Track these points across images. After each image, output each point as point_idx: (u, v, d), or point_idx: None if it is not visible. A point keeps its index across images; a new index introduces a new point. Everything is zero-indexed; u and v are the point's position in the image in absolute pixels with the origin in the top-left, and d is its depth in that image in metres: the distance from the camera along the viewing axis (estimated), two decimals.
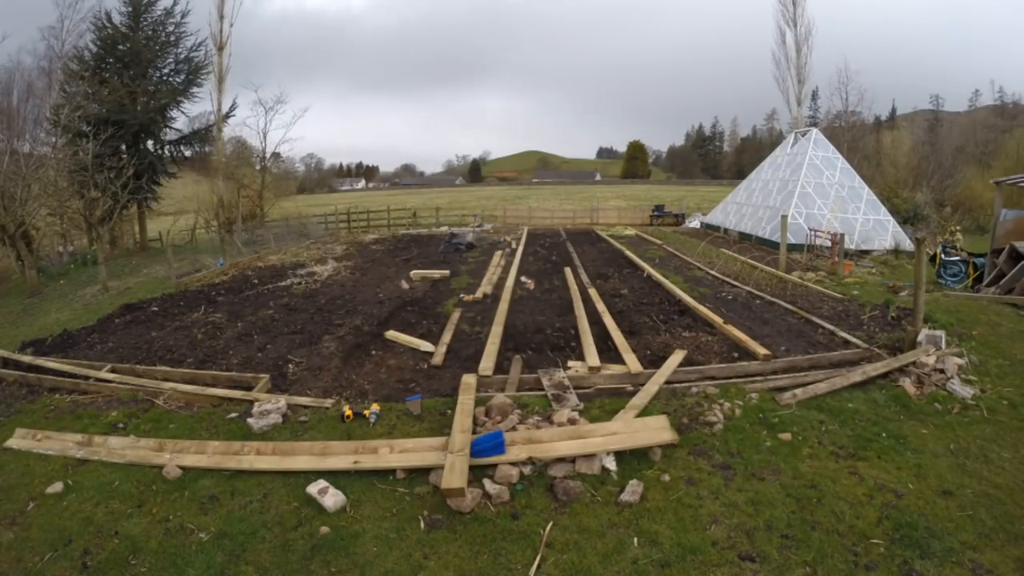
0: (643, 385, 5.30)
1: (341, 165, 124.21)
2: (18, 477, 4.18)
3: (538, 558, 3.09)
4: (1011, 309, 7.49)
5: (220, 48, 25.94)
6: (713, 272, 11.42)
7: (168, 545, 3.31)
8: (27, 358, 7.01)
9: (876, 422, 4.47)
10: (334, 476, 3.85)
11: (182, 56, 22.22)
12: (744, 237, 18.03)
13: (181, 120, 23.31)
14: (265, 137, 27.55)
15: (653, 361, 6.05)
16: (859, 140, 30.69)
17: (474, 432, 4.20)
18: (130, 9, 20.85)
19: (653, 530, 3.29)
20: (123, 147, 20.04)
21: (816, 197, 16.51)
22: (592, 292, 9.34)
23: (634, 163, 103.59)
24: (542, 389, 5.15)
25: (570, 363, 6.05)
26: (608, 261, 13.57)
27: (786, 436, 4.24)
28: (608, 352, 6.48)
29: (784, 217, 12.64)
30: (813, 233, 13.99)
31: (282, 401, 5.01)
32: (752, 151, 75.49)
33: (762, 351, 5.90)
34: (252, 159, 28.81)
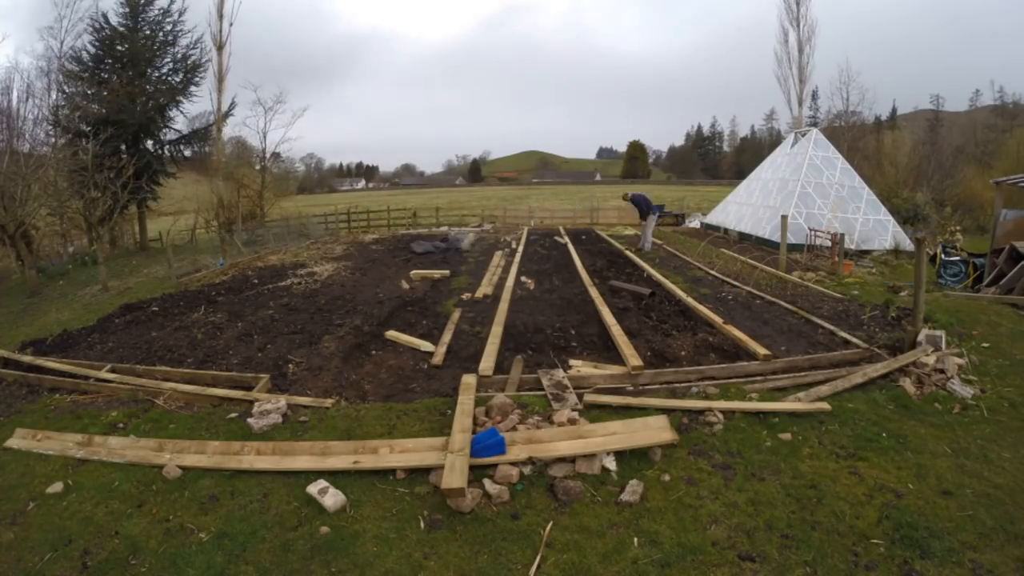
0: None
1: (341, 165, 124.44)
2: (18, 477, 4.18)
3: (538, 558, 3.09)
4: (1011, 309, 7.48)
5: (220, 48, 25.97)
6: (713, 272, 11.42)
7: (168, 545, 3.31)
8: (27, 358, 7.01)
9: (876, 422, 4.47)
10: (334, 476, 3.85)
11: (180, 55, 22.23)
12: (744, 237, 18.03)
13: (180, 120, 23.35)
14: (265, 137, 27.57)
15: (653, 362, 6.06)
16: (859, 140, 30.71)
17: (474, 432, 4.20)
18: (127, 10, 20.87)
19: (653, 530, 3.29)
20: (123, 147, 20.07)
21: (816, 197, 16.52)
22: (593, 292, 9.35)
23: (634, 163, 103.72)
24: (542, 389, 5.15)
25: (571, 362, 6.05)
26: (608, 261, 13.56)
27: (786, 436, 4.24)
28: (608, 352, 6.49)
29: (784, 217, 12.63)
30: (813, 233, 13.99)
31: (282, 401, 5.00)
32: (752, 151, 75.58)
33: (762, 351, 5.90)
34: (252, 159, 28.83)
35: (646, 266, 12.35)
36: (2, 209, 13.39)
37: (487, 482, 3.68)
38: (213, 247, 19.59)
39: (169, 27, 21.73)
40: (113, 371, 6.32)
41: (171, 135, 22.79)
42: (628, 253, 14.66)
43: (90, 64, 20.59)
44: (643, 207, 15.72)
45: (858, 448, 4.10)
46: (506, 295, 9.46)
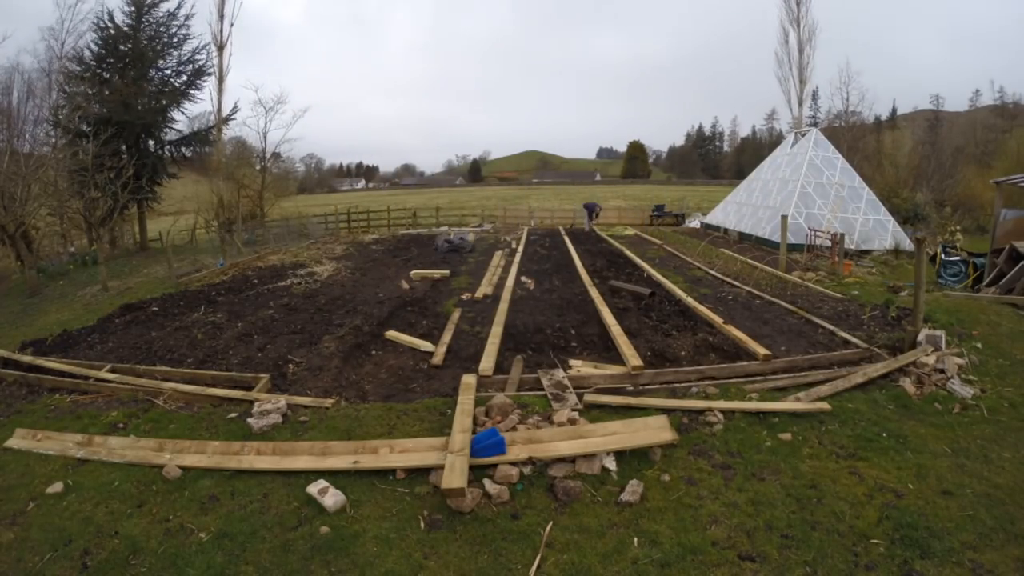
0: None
1: (341, 165, 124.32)
2: (18, 477, 4.18)
3: (538, 558, 3.09)
4: (1011, 309, 7.48)
5: (220, 48, 26.01)
6: (713, 272, 11.42)
7: (168, 545, 3.31)
8: (27, 358, 7.01)
9: (876, 422, 4.47)
10: (334, 476, 3.85)
11: (185, 58, 22.22)
12: (744, 237, 18.02)
13: (181, 120, 23.33)
14: (265, 137, 27.55)
15: (653, 362, 6.06)
16: (859, 140, 30.65)
17: (474, 432, 4.19)
18: (132, 9, 20.85)
19: (653, 530, 3.29)
20: (123, 147, 20.03)
21: (816, 197, 16.51)
22: (593, 292, 9.35)
23: (634, 163, 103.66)
24: (542, 389, 5.15)
25: (571, 362, 6.05)
26: (608, 261, 13.56)
27: (786, 436, 4.24)
28: (608, 352, 6.49)
29: (784, 217, 12.63)
30: (813, 233, 13.98)
31: (282, 401, 5.00)
32: (752, 151, 75.55)
33: (762, 351, 5.90)
34: (252, 159, 28.81)
35: (646, 266, 12.35)
36: (2, 209, 13.39)
37: (487, 482, 3.68)
38: (213, 247, 19.60)
39: (174, 29, 21.74)
40: (113, 371, 6.32)
41: (172, 135, 22.80)
42: (628, 253, 14.67)
43: (92, 64, 20.57)
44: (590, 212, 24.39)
45: (858, 448, 4.10)
46: (506, 295, 9.46)
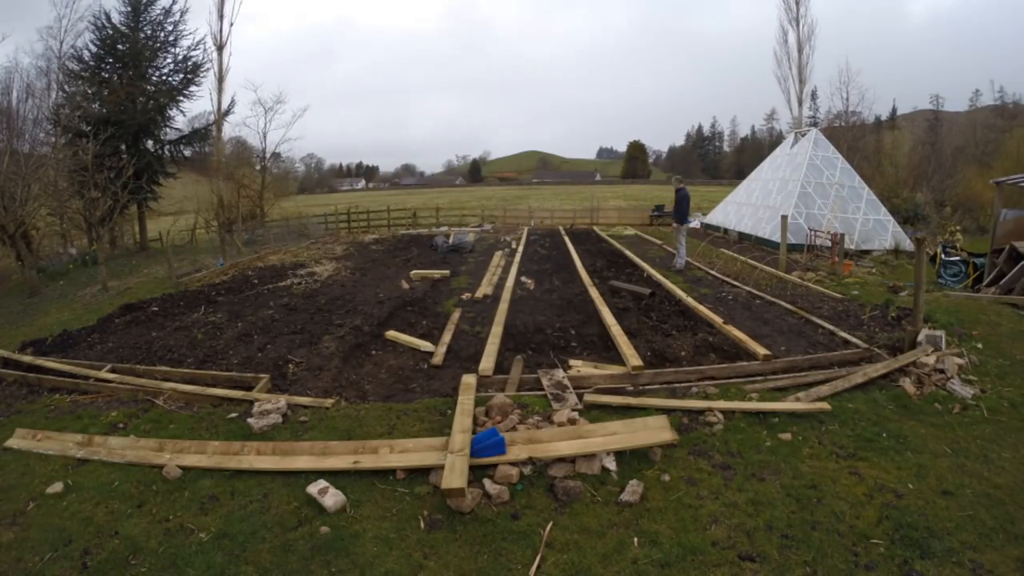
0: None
1: (341, 165, 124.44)
2: (18, 477, 4.18)
3: (538, 558, 3.09)
4: (1011, 309, 7.48)
5: (220, 48, 26.05)
6: (713, 272, 11.42)
7: (168, 545, 3.31)
8: (27, 358, 7.01)
9: (876, 422, 4.47)
10: (334, 476, 3.85)
11: (180, 56, 22.26)
12: (744, 237, 18.02)
13: (180, 120, 23.36)
14: (265, 137, 27.59)
15: (653, 362, 6.06)
16: (859, 140, 30.63)
17: (474, 432, 4.19)
18: (129, 9, 20.88)
19: (653, 530, 3.28)
20: (123, 147, 20.05)
21: (816, 197, 16.50)
22: (593, 292, 9.35)
23: (634, 163, 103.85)
24: (542, 389, 5.14)
25: (571, 362, 6.05)
26: (608, 261, 13.57)
27: (786, 436, 4.24)
28: (608, 352, 6.49)
29: (784, 217, 12.63)
30: (813, 233, 13.98)
31: (282, 401, 5.00)
32: (752, 151, 75.65)
33: (762, 351, 5.90)
34: (252, 159, 28.83)
35: (646, 266, 12.35)
36: (2, 209, 13.38)
37: (487, 482, 3.68)
38: (213, 247, 19.60)
39: (171, 27, 21.78)
40: (113, 371, 6.32)
41: (171, 135, 22.83)
42: (628, 253, 14.66)
43: (91, 63, 20.59)
44: (680, 208, 12.37)
45: (858, 448, 4.10)
46: (506, 295, 9.46)
